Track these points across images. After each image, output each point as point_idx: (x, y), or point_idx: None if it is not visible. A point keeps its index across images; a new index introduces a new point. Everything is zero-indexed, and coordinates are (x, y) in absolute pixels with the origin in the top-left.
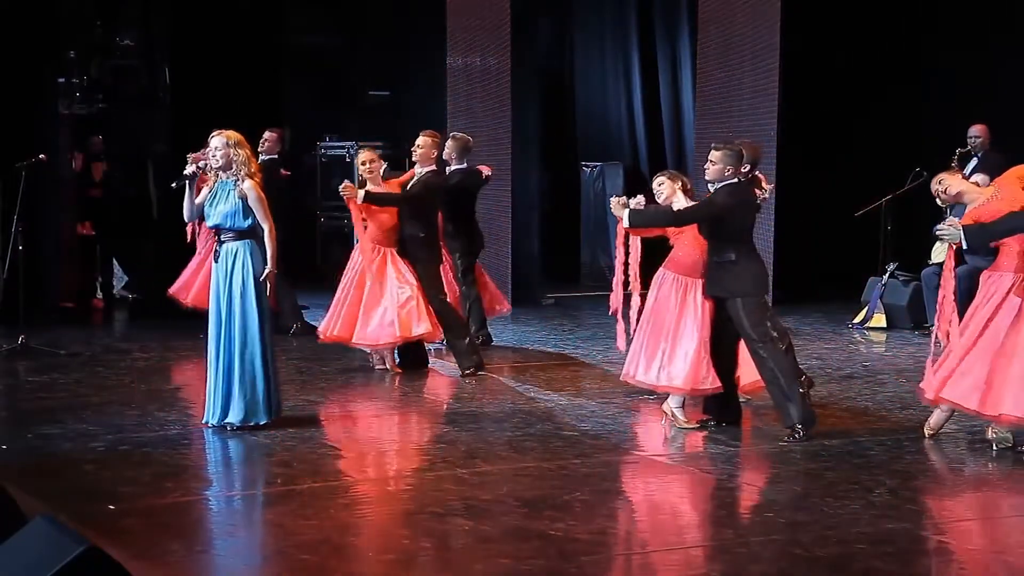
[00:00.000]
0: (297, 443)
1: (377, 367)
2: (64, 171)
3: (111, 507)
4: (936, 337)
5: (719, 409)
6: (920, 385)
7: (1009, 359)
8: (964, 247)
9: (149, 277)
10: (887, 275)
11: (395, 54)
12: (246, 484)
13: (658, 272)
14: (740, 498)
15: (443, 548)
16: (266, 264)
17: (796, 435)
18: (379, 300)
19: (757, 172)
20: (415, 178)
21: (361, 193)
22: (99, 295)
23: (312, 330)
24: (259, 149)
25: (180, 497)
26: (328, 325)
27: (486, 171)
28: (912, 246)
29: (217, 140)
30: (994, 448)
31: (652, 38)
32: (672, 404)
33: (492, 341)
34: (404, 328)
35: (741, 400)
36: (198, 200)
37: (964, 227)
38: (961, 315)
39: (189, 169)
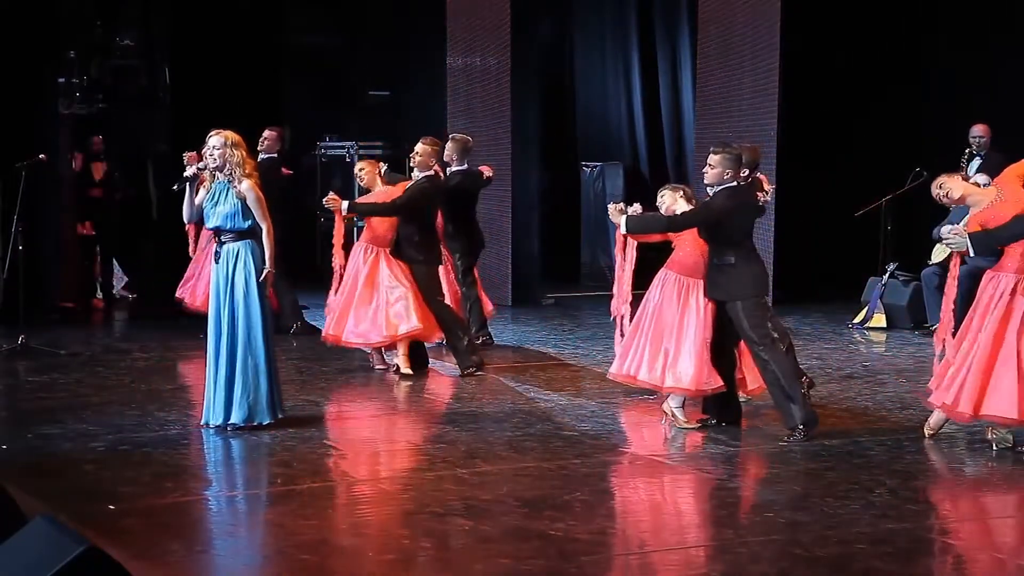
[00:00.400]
0: (297, 443)
1: (377, 367)
2: (64, 171)
3: (111, 507)
4: (943, 344)
5: (719, 409)
6: (934, 398)
7: None
8: (971, 255)
9: (149, 277)
10: (887, 275)
11: (395, 54)
12: (246, 484)
13: (660, 272)
14: (740, 498)
15: (443, 548)
16: (265, 264)
17: (797, 435)
18: (370, 300)
19: (758, 174)
20: (411, 183)
21: (345, 204)
22: (99, 295)
23: (312, 330)
24: (259, 148)
25: (180, 497)
26: (327, 324)
27: (487, 172)
28: (912, 246)
29: (215, 139)
30: (994, 448)
31: (652, 38)
32: (672, 404)
33: (493, 341)
34: (391, 328)
35: (741, 399)
36: (197, 200)
37: (970, 235)
38: (962, 315)
39: (189, 171)
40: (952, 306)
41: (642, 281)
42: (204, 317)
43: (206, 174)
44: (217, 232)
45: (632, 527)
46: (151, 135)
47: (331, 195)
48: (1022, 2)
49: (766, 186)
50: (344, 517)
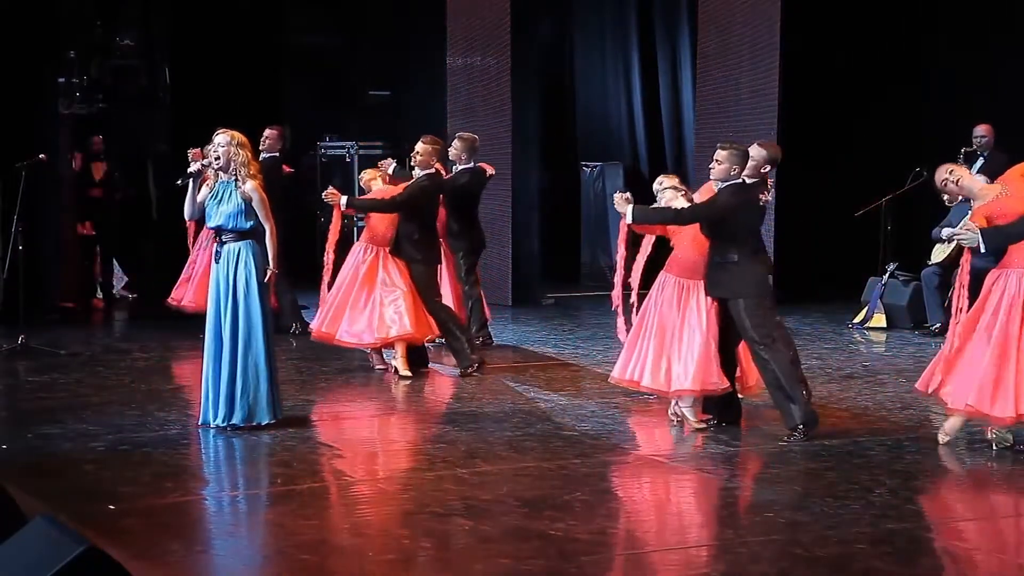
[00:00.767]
0: (297, 443)
1: (377, 367)
2: (64, 171)
3: (111, 507)
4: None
5: (720, 409)
6: (954, 402)
7: None
8: (982, 251)
9: (149, 277)
10: (887, 275)
11: (395, 54)
12: (246, 484)
13: (659, 276)
14: (740, 498)
15: (443, 548)
16: (268, 264)
17: (798, 436)
18: (366, 300)
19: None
20: (412, 181)
21: (344, 199)
22: (99, 295)
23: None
24: (260, 147)
25: (180, 497)
26: (318, 322)
27: (489, 170)
28: (912, 246)
29: (220, 138)
30: (994, 448)
31: (652, 38)
32: (683, 405)
33: (493, 342)
34: (382, 330)
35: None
36: (200, 198)
37: (982, 230)
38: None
39: (194, 167)
40: (964, 297)
41: (645, 280)
42: (203, 317)
43: (209, 172)
44: (218, 231)
45: (632, 527)
46: (151, 135)
47: (331, 189)
48: (1022, 2)
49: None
50: (344, 517)
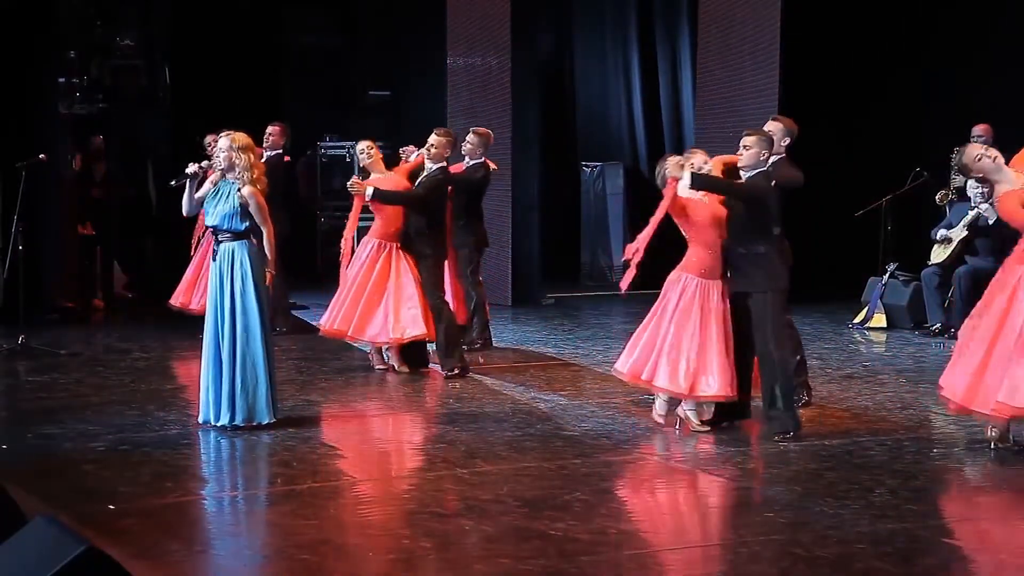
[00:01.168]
0: (297, 443)
1: (377, 367)
2: (64, 171)
3: (111, 507)
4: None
5: (724, 409)
6: (995, 408)
7: None
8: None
9: (149, 277)
10: (887, 275)
11: (395, 54)
12: (246, 484)
13: (675, 275)
14: (740, 498)
15: (443, 548)
16: (265, 265)
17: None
18: (380, 298)
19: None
20: (425, 174)
21: (370, 190)
22: (99, 295)
23: (303, 330)
24: (264, 144)
25: (180, 497)
26: (330, 318)
27: (492, 165)
28: (912, 246)
29: (223, 141)
30: (994, 448)
31: (652, 38)
32: (687, 407)
33: (493, 343)
34: (398, 331)
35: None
36: (199, 194)
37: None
38: (963, 315)
39: (191, 168)
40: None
41: (653, 281)
42: (202, 317)
43: (214, 170)
44: (215, 231)
45: (632, 527)
46: (151, 135)
47: (355, 178)
48: (1022, 2)
49: None
50: (344, 517)
